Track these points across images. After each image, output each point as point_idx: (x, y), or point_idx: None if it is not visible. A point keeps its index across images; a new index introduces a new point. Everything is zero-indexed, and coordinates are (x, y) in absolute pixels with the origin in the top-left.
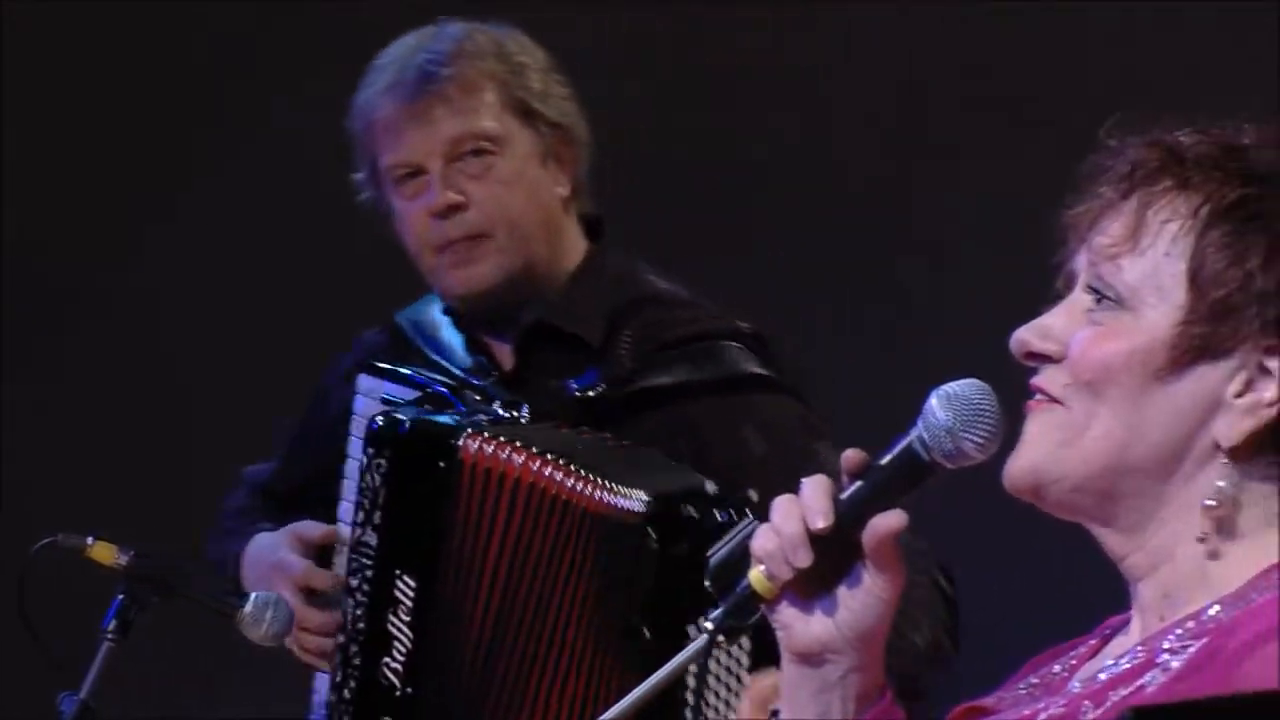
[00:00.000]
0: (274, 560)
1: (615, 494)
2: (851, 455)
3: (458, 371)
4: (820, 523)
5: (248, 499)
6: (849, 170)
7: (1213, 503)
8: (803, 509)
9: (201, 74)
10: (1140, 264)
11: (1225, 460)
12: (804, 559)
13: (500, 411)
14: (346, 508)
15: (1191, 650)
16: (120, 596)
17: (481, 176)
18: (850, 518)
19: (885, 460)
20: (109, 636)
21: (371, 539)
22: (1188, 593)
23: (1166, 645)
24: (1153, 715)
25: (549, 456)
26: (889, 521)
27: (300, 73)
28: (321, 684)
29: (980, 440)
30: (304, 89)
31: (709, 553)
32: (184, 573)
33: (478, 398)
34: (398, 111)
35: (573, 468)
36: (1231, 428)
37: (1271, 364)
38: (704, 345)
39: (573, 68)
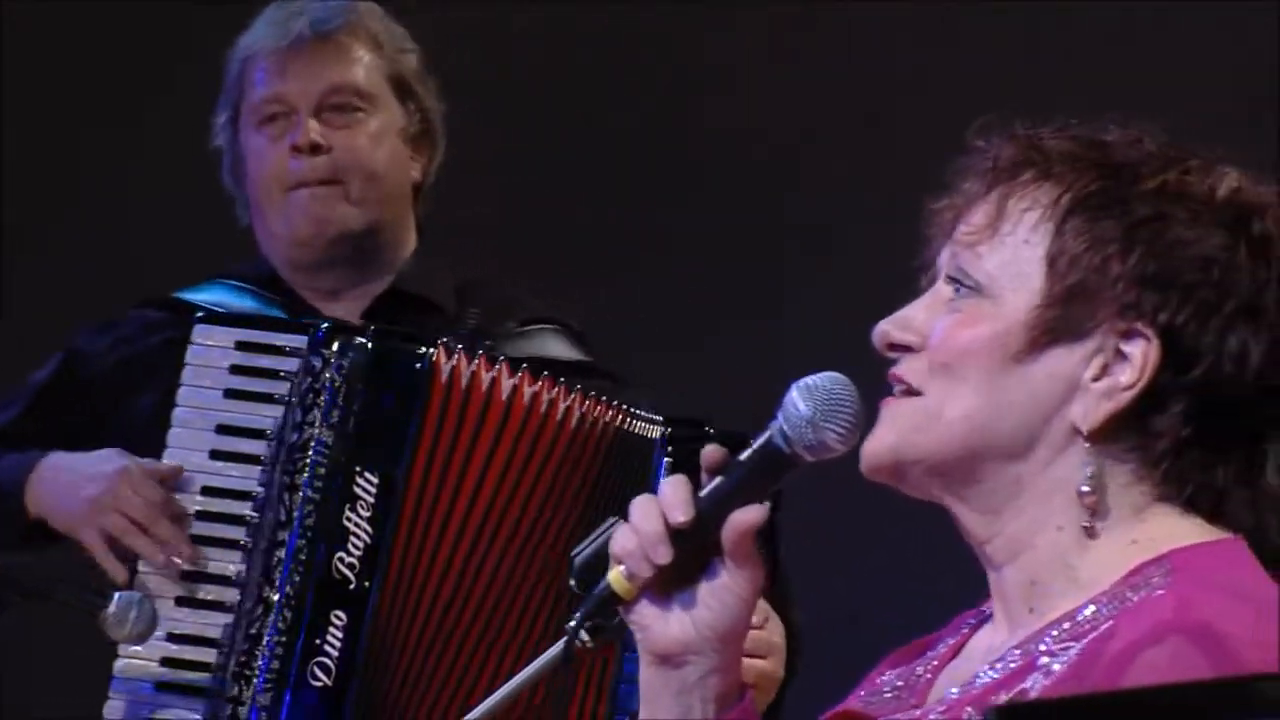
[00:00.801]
0: (104, 471)
1: (631, 415)
2: (711, 451)
3: (309, 321)
4: (679, 516)
5: None
6: (717, 168)
7: (1087, 489)
8: (662, 506)
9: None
10: (1000, 252)
11: (1086, 445)
12: (664, 555)
13: None
14: (175, 452)
15: (1072, 652)
16: None
17: (347, 128)
18: (711, 514)
19: (745, 455)
20: None
21: (326, 436)
22: (1053, 582)
23: (1044, 647)
24: (1013, 714)
25: (543, 375)
26: (749, 516)
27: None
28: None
29: (841, 431)
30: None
31: (573, 552)
32: (46, 573)
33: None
34: (282, 51)
35: (578, 388)
36: (1088, 412)
37: (1127, 348)
38: (553, 329)
39: None
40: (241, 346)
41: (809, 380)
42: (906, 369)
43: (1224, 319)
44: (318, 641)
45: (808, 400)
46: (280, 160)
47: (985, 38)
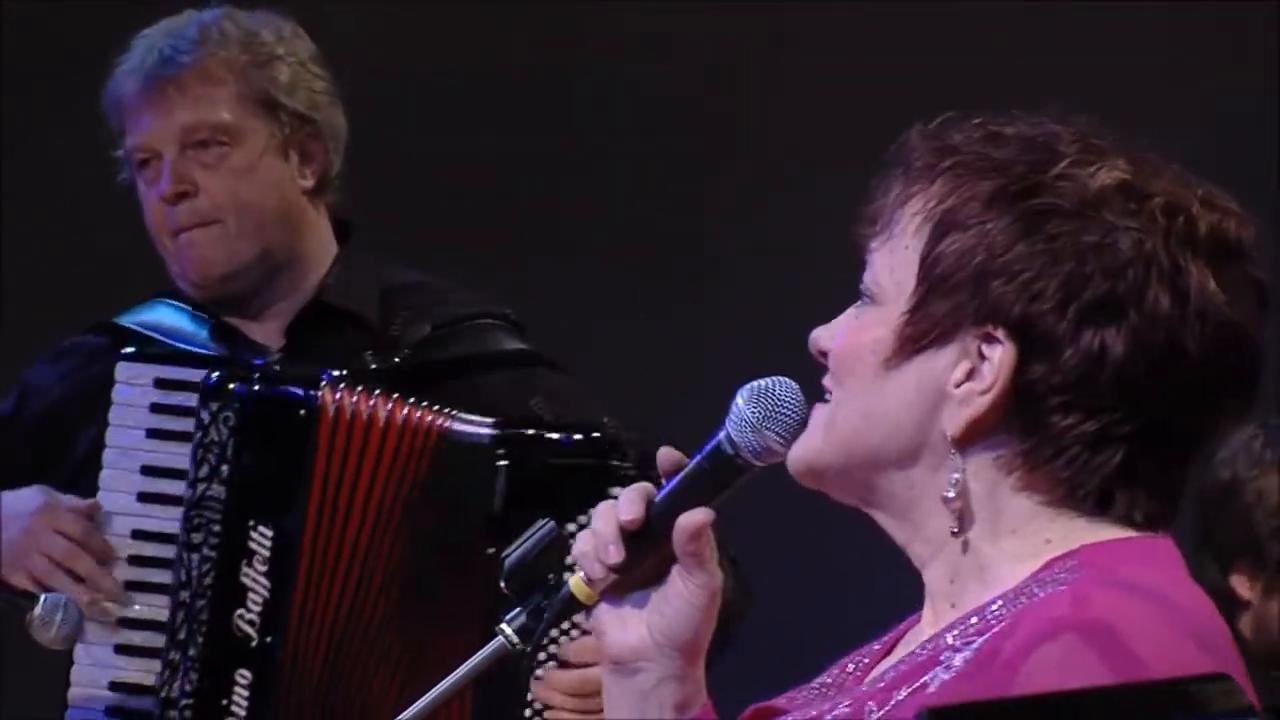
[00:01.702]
0: (23, 511)
1: (463, 421)
2: (665, 454)
3: (223, 354)
4: (626, 515)
5: None
6: (665, 162)
7: (950, 494)
8: (616, 508)
9: None
10: (889, 257)
11: (953, 452)
12: (614, 555)
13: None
14: (105, 495)
15: (973, 647)
16: None
17: (213, 166)
18: (663, 518)
19: (695, 459)
20: None
21: (218, 492)
22: (969, 579)
23: (950, 641)
24: (947, 715)
25: (413, 401)
26: (694, 518)
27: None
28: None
29: (784, 434)
30: None
31: (504, 554)
32: None
33: (275, 368)
34: (137, 96)
35: (433, 406)
36: (953, 418)
37: (989, 351)
38: (480, 324)
39: None
40: (160, 384)
41: (755, 384)
42: (828, 376)
43: (1078, 314)
44: (224, 702)
45: (752, 403)
46: (159, 207)
47: (985, 38)
